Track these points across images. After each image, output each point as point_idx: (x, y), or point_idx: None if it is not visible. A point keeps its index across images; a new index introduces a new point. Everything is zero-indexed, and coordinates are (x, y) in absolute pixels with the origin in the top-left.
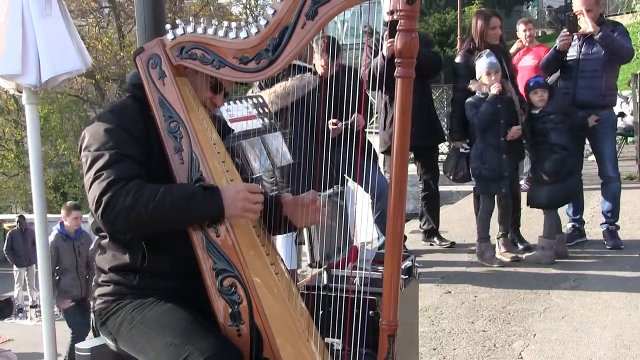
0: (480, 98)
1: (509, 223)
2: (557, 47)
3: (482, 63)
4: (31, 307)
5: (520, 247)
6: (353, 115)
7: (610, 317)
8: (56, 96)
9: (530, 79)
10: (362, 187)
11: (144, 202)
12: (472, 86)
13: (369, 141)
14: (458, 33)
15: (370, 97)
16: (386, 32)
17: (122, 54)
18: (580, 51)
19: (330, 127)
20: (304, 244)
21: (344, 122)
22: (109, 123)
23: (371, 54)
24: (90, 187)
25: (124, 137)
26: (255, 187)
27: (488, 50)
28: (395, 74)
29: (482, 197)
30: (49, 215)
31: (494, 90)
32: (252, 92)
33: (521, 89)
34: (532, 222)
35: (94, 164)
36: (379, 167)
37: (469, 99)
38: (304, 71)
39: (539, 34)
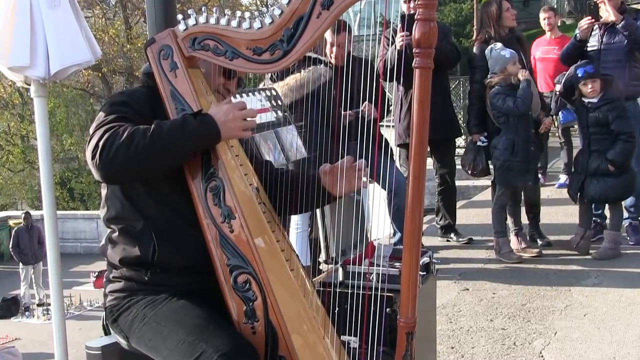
0: (508, 87)
1: (534, 216)
2: (578, 36)
3: (504, 54)
4: (38, 305)
5: (540, 242)
6: (364, 104)
7: (634, 315)
8: (62, 90)
9: (578, 68)
10: (378, 183)
11: (141, 134)
12: (495, 79)
13: (384, 136)
14: (474, 23)
15: (387, 92)
16: (400, 26)
17: (129, 46)
18: (602, 41)
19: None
20: (319, 240)
21: (354, 110)
22: (116, 98)
23: (388, 45)
24: (88, 144)
25: (127, 109)
26: (241, 103)
27: (500, 44)
28: (413, 64)
29: (499, 191)
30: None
31: (521, 76)
32: (264, 84)
33: (545, 81)
34: (550, 218)
35: (94, 126)
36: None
37: (494, 90)
38: (317, 63)
39: (558, 24)
